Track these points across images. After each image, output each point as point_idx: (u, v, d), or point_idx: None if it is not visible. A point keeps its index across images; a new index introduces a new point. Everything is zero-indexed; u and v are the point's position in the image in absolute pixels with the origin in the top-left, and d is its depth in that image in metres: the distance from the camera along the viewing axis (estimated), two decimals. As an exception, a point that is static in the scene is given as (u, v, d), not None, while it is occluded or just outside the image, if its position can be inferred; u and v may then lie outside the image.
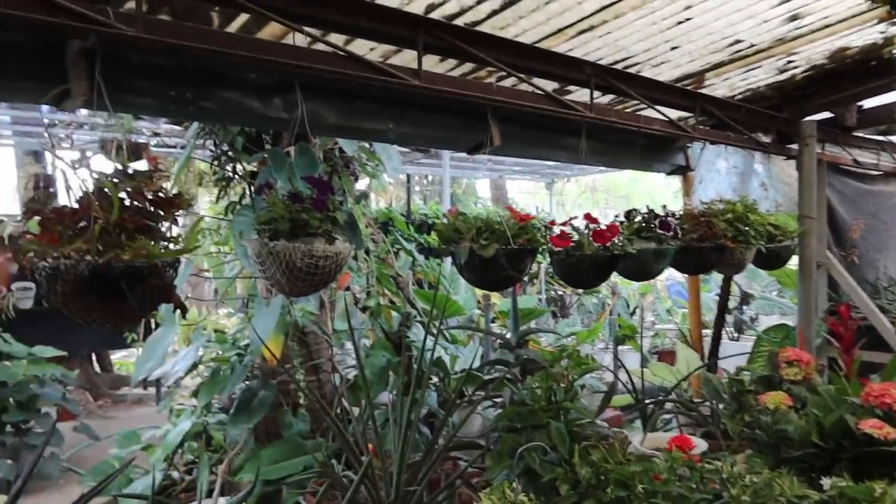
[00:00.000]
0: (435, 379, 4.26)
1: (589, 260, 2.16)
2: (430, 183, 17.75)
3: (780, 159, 3.60)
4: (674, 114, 2.98)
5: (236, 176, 4.00)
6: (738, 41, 2.72)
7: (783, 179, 3.74)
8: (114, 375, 9.29)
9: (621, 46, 2.59)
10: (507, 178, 12.81)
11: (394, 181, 14.98)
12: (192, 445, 4.53)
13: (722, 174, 3.78)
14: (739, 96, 3.39)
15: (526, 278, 10.89)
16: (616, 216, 2.51)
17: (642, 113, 2.91)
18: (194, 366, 4.19)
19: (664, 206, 2.63)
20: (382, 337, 4.28)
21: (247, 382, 4.37)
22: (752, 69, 3.07)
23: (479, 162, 10.40)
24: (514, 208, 2.08)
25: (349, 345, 5.51)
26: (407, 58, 2.35)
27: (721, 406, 2.49)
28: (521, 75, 2.15)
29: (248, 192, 3.91)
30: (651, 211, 2.53)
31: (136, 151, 5.29)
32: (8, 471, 5.37)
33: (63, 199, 1.71)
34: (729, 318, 7.54)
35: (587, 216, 2.25)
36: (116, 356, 10.03)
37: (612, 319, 5.63)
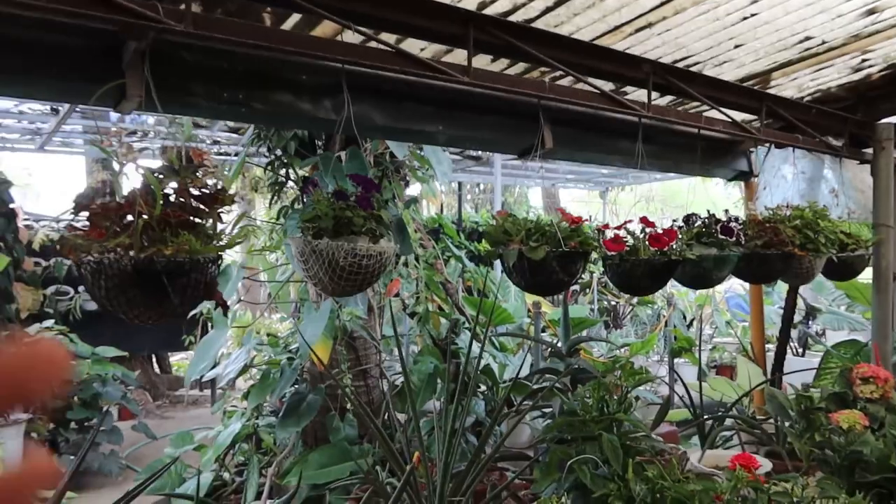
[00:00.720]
0: (483, 387, 4.18)
1: (644, 265, 2.05)
2: (482, 191, 17.70)
3: (853, 164, 3.40)
4: (737, 116, 2.85)
5: (289, 181, 4.02)
6: (808, 38, 2.57)
7: (856, 186, 3.53)
8: (172, 377, 9.52)
9: (681, 44, 2.48)
10: (559, 187, 12.62)
11: (445, 188, 15.00)
12: (243, 447, 4.59)
13: (788, 180, 3.60)
14: (808, 97, 3.22)
15: (577, 287, 10.69)
16: (674, 221, 2.39)
17: (704, 114, 2.79)
18: (245, 368, 4.23)
19: (726, 211, 2.50)
20: (430, 343, 4.23)
21: (296, 386, 4.38)
22: (822, 68, 2.91)
23: (531, 170, 10.28)
24: (566, 211, 2.00)
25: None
26: (458, 57, 2.31)
27: (787, 424, 2.34)
28: (576, 73, 2.07)
29: (300, 196, 3.93)
30: (712, 215, 2.41)
31: (193, 158, 5.37)
32: (70, 466, 5.50)
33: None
34: (794, 333, 7.22)
35: (643, 219, 2.15)
36: (175, 358, 10.30)
37: (668, 331, 5.43)
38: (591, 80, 2.21)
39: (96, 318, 7.32)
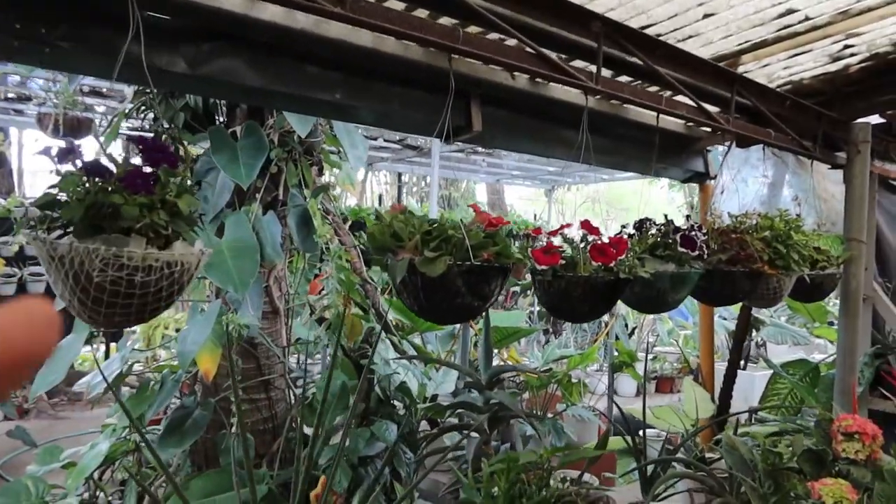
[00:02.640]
0: (400, 406, 3.68)
1: (584, 285, 1.55)
2: (428, 184, 17.16)
3: (819, 169, 3.01)
4: (705, 105, 2.39)
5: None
6: (790, 11, 2.12)
7: (819, 194, 3.14)
8: (72, 371, 8.67)
9: (640, 7, 1.99)
10: (504, 183, 12.21)
11: (388, 179, 14.40)
12: (128, 461, 3.97)
13: (749, 184, 3.18)
14: (779, 89, 2.79)
15: (518, 288, 10.27)
16: (623, 227, 1.91)
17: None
18: (120, 377, 3.60)
19: (687, 217, 2.03)
20: (342, 354, 3.70)
21: (181, 399, 3.78)
22: (798, 54, 2.48)
23: (476, 164, 9.80)
24: (481, 208, 1.47)
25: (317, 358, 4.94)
26: None
27: (749, 481, 1.89)
28: (502, 25, 1.55)
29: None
30: (669, 221, 1.93)
31: (78, 126, 4.62)
32: (-79, 479, 4.74)
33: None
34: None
35: (585, 224, 1.65)
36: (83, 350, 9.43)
37: (610, 343, 5.03)
38: (525, 39, 1.69)
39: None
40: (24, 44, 1.52)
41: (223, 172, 2.83)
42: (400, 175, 10.54)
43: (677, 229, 1.87)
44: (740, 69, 2.56)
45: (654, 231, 1.92)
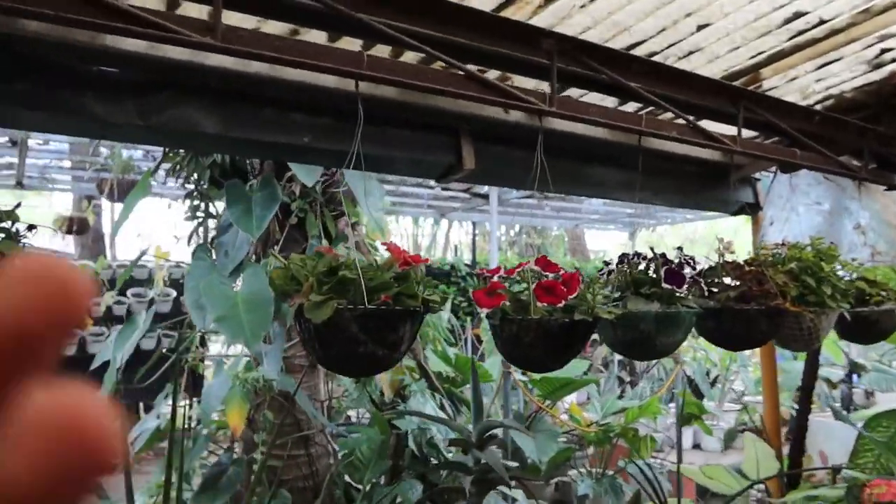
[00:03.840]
0: (434, 461, 3.49)
1: (536, 329, 1.36)
2: (518, 232, 16.97)
3: (880, 191, 2.65)
4: (710, 126, 2.15)
5: (208, 217, 3.46)
6: (798, 14, 1.89)
7: (886, 219, 2.77)
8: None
9: (620, 24, 1.82)
10: (584, 228, 11.88)
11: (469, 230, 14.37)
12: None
13: (800, 213, 2.85)
14: (818, 105, 2.50)
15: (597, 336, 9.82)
16: (607, 264, 1.70)
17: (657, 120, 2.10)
18: (157, 433, 3.63)
19: (679, 249, 1.79)
20: (373, 409, 3.57)
21: (217, 455, 3.78)
22: (826, 63, 2.20)
23: (549, 209, 9.59)
24: (398, 246, 1.32)
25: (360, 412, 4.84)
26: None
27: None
28: (437, 53, 1.43)
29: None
30: (658, 255, 1.70)
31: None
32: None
33: None
34: (836, 393, 6.28)
35: (540, 261, 1.46)
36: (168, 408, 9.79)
37: (676, 394, 4.63)
38: (469, 67, 1.56)
39: (73, 364, 6.89)
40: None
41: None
42: (474, 224, 10.45)
43: (666, 262, 1.65)
44: (764, 85, 2.31)
45: (642, 266, 1.70)
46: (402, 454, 3.38)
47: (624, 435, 4.39)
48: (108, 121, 1.72)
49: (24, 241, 1.02)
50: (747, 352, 7.36)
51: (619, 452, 4.65)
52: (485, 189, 8.22)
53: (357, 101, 1.66)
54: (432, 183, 7.97)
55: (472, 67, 1.54)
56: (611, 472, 4.14)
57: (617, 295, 1.62)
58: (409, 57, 1.87)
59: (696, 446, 6.54)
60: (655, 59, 2.02)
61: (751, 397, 6.78)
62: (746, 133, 2.35)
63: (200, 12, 1.58)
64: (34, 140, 5.62)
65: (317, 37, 1.77)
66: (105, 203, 8.55)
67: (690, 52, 2.06)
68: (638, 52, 1.98)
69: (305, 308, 1.12)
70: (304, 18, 1.42)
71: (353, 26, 1.37)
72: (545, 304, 1.35)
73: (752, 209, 3.15)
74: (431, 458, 3.48)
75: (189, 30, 1.20)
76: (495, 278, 1.45)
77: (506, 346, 1.44)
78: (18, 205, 1.04)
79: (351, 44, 1.74)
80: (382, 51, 1.84)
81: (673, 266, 1.61)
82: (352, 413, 4.66)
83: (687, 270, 1.62)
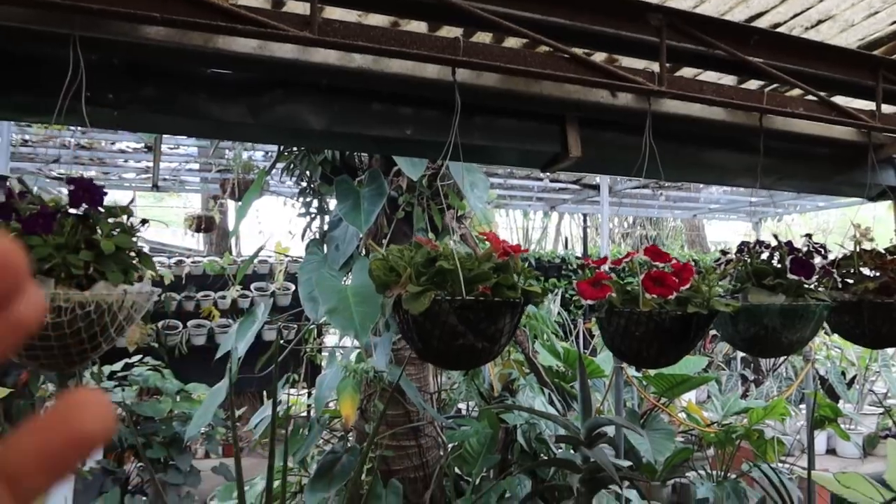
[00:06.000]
0: (544, 456, 3.42)
1: (646, 323, 1.27)
2: (632, 224, 16.46)
3: None
4: (846, 103, 1.96)
5: (321, 213, 3.57)
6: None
7: None
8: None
9: (738, -6, 1.69)
10: (704, 218, 11.31)
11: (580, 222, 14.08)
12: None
13: (954, 196, 2.56)
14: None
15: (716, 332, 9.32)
16: (724, 253, 1.58)
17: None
18: (279, 419, 3.80)
19: (808, 237, 1.62)
20: (482, 402, 3.56)
21: (331, 444, 3.90)
22: None
23: (668, 199, 9.21)
24: (497, 236, 1.27)
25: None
26: None
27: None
28: (532, 33, 1.37)
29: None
30: (784, 244, 1.56)
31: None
32: (143, 508, 5.38)
33: None
34: None
35: (650, 250, 1.37)
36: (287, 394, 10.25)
37: (807, 394, 4.30)
38: (573, 50, 1.49)
39: (203, 353, 7.39)
40: (94, 108, 1.67)
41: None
42: (585, 216, 10.22)
43: (792, 251, 1.50)
44: (910, 54, 2.07)
45: (765, 255, 1.57)
46: (511, 449, 3.35)
47: (748, 437, 4.14)
48: (222, 120, 1.80)
49: (138, 235, 1.07)
50: (890, 350, 6.73)
51: (742, 455, 4.39)
52: (596, 179, 8.01)
53: (461, 91, 1.64)
54: (541, 175, 7.86)
55: (576, 50, 1.47)
56: (733, 476, 3.92)
57: (736, 287, 1.50)
58: (511, 43, 1.82)
59: (831, 451, 6.07)
60: (779, 30, 1.86)
61: (895, 400, 6.21)
62: (887, 108, 2.12)
63: (305, 9, 1.61)
64: (166, 145, 6.04)
65: (416, 28, 1.76)
66: (229, 202, 9.08)
67: (820, 21, 1.88)
68: (759, 24, 1.83)
69: (403, 299, 1.11)
70: (403, 9, 1.41)
71: (453, 14, 1.35)
72: (655, 296, 1.27)
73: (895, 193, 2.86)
74: (540, 454, 3.43)
75: (287, 25, 1.22)
76: (604, 268, 1.38)
77: (613, 340, 1.37)
78: (132, 200, 1.09)
79: (450, 33, 1.72)
80: (484, 38, 1.81)
81: (800, 255, 1.47)
82: (462, 406, 4.68)
83: (817, 260, 1.47)
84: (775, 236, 1.58)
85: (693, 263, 1.32)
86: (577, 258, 9.65)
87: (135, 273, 1.03)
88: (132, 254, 1.04)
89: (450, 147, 1.41)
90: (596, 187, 8.28)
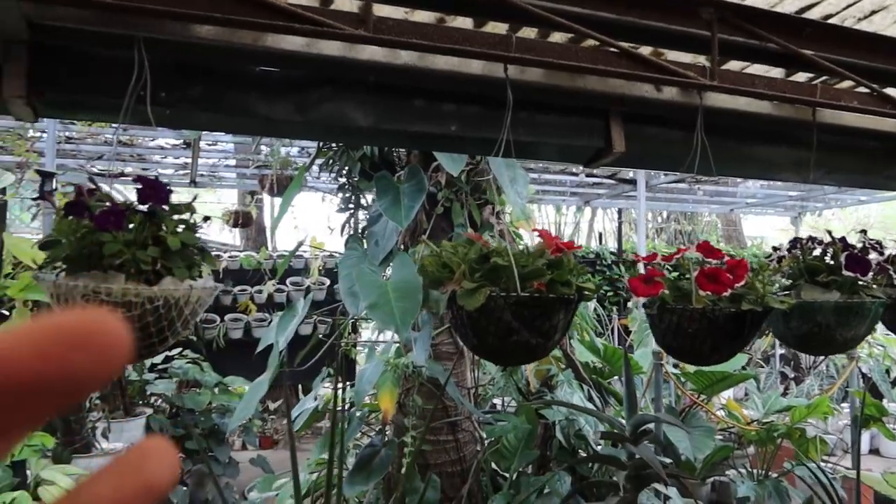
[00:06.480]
0: (582, 453, 3.42)
1: (700, 320, 1.26)
2: (666, 219, 16.26)
3: None
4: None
5: (359, 208, 3.60)
6: None
7: None
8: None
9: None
10: (740, 213, 11.13)
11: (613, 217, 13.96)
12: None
13: None
14: None
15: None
16: (776, 249, 1.55)
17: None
18: (315, 413, 3.84)
19: (863, 232, 1.59)
20: (520, 398, 3.55)
21: (370, 438, 3.94)
22: None
23: (704, 193, 9.08)
24: (550, 233, 1.27)
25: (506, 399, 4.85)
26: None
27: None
28: (598, 35, 1.36)
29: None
30: (837, 240, 1.53)
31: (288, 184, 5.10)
32: (182, 497, 5.49)
33: None
34: None
35: (702, 246, 1.36)
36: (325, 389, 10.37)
37: (851, 393, 4.21)
38: (621, 44, 1.48)
39: (240, 346, 7.51)
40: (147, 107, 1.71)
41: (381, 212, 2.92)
42: (620, 211, 10.12)
43: (847, 247, 1.48)
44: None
45: (818, 251, 1.54)
46: (550, 445, 3.34)
47: (789, 435, 4.07)
48: (270, 118, 1.83)
49: (201, 231, 1.10)
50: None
51: (782, 454, 4.32)
52: (630, 174, 7.93)
53: (506, 87, 1.64)
54: (576, 169, 7.81)
55: (624, 44, 1.46)
56: (774, 475, 3.85)
57: (788, 283, 1.48)
58: (556, 38, 1.82)
59: (874, 451, 5.94)
60: (831, 21, 1.82)
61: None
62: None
63: (351, 6, 1.63)
64: (204, 142, 6.14)
65: (461, 24, 1.76)
66: (266, 197, 9.20)
67: (873, 12, 1.84)
68: (809, 15, 1.79)
69: (458, 295, 1.12)
70: (451, 5, 1.42)
71: (501, 9, 1.35)
72: (708, 293, 1.26)
73: (947, 187, 2.79)
74: (579, 450, 3.42)
75: (342, 23, 1.24)
76: (658, 265, 1.37)
77: (665, 337, 1.36)
78: (195, 198, 1.12)
79: (495, 28, 1.73)
80: (528, 34, 1.81)
81: (856, 251, 1.45)
82: (496, 401, 4.69)
83: (872, 256, 1.44)
84: (829, 233, 1.55)
85: (743, 258, 1.31)
86: (612, 253, 9.58)
87: (198, 268, 1.06)
88: (195, 250, 1.07)
89: (502, 143, 1.41)
90: (631, 182, 8.19)
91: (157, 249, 0.99)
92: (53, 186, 3.68)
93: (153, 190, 1.05)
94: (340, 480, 2.20)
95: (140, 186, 1.04)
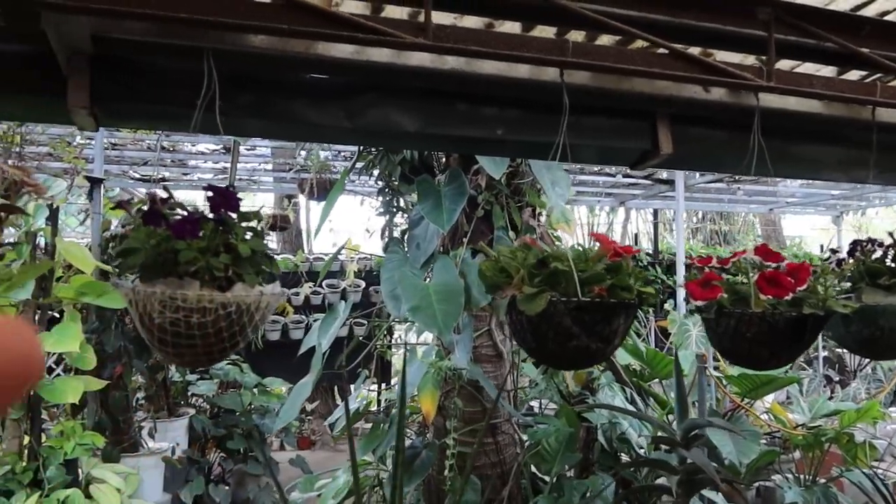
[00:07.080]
0: (626, 458, 3.39)
1: (758, 324, 1.25)
2: (701, 219, 16.02)
3: None
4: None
5: (398, 211, 3.63)
6: None
7: None
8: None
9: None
10: (780, 213, 10.91)
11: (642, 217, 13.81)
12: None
13: None
14: None
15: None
16: (834, 252, 1.53)
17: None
18: (356, 415, 3.88)
19: (923, 234, 1.56)
20: (561, 401, 3.54)
21: (411, 440, 3.96)
22: None
23: (743, 192, 8.92)
24: (608, 237, 1.26)
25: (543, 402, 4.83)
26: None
27: None
28: (651, 37, 1.35)
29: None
30: (899, 242, 1.50)
31: (329, 188, 5.16)
32: (225, 496, 5.58)
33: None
34: None
35: (760, 249, 1.34)
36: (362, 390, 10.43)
37: (902, 397, 4.10)
38: (674, 45, 1.47)
39: (278, 348, 7.59)
40: (206, 115, 1.74)
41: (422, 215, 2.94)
42: (656, 212, 10.00)
43: (909, 250, 1.45)
44: None
45: (879, 254, 1.51)
46: (592, 448, 3.32)
47: (837, 440, 3.98)
48: (318, 124, 1.85)
49: (267, 238, 1.13)
50: None
51: (829, 459, 4.23)
52: (666, 174, 7.84)
53: (552, 90, 1.64)
54: (611, 170, 7.74)
55: (677, 46, 1.45)
56: (822, 480, 3.78)
57: (848, 286, 1.46)
58: (604, 40, 1.81)
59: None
60: (887, 18, 1.78)
61: None
62: None
63: (402, 13, 1.64)
64: (243, 147, 6.23)
65: (509, 28, 1.77)
66: (302, 200, 9.30)
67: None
68: (865, 13, 1.76)
69: (518, 300, 1.13)
70: (509, 11, 1.43)
71: (558, 14, 1.35)
72: (769, 297, 1.25)
73: None
74: (622, 454, 3.39)
75: (400, 31, 1.26)
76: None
77: (722, 341, 1.35)
78: (262, 207, 1.15)
79: (542, 32, 1.73)
80: (575, 37, 1.80)
81: (919, 254, 1.42)
82: (533, 403, 4.67)
83: (937, 258, 1.41)
84: (890, 234, 1.52)
85: (805, 261, 1.29)
86: (648, 255, 9.47)
87: (265, 274, 1.09)
88: (263, 256, 1.10)
89: (559, 148, 1.41)
90: (667, 182, 8.09)
91: (229, 256, 1.02)
92: (101, 192, 3.78)
93: (224, 198, 1.08)
94: (401, 482, 2.21)
95: (211, 195, 1.07)
